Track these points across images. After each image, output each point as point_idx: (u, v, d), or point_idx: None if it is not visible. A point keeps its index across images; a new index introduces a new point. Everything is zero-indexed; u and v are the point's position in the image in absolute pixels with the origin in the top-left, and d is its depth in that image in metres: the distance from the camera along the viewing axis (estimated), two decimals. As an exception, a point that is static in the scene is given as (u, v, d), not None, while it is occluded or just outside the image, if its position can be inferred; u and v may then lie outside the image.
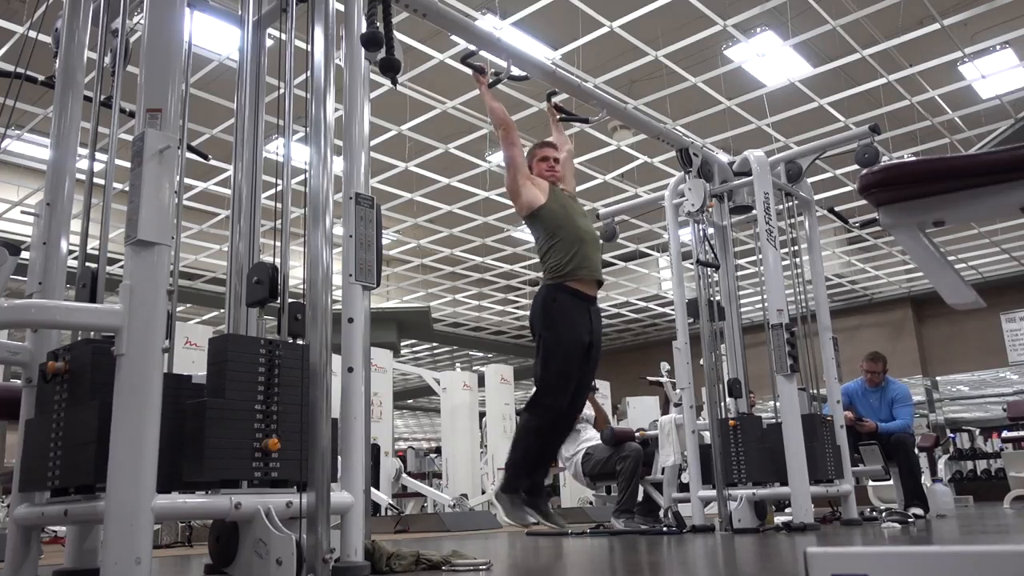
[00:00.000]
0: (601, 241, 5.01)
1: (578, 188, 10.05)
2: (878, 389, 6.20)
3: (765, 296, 5.07)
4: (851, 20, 7.12)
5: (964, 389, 15.34)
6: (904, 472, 5.75)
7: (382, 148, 9.05)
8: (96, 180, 2.42)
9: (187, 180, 9.13)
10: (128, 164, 1.99)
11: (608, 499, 6.70)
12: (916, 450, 7.93)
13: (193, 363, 3.64)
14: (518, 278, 14.10)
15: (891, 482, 5.92)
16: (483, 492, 9.76)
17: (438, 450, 12.37)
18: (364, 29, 2.57)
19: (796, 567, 2.28)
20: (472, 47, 4.28)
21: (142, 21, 2.13)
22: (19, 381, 2.43)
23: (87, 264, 2.25)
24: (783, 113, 8.74)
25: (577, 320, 3.93)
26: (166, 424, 1.87)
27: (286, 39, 2.53)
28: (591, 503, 8.93)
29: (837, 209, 7.03)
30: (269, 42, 2.91)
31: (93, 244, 2.36)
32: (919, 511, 5.40)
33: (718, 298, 5.35)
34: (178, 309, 2.41)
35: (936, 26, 7.26)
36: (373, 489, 6.72)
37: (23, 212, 8.61)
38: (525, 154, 4.23)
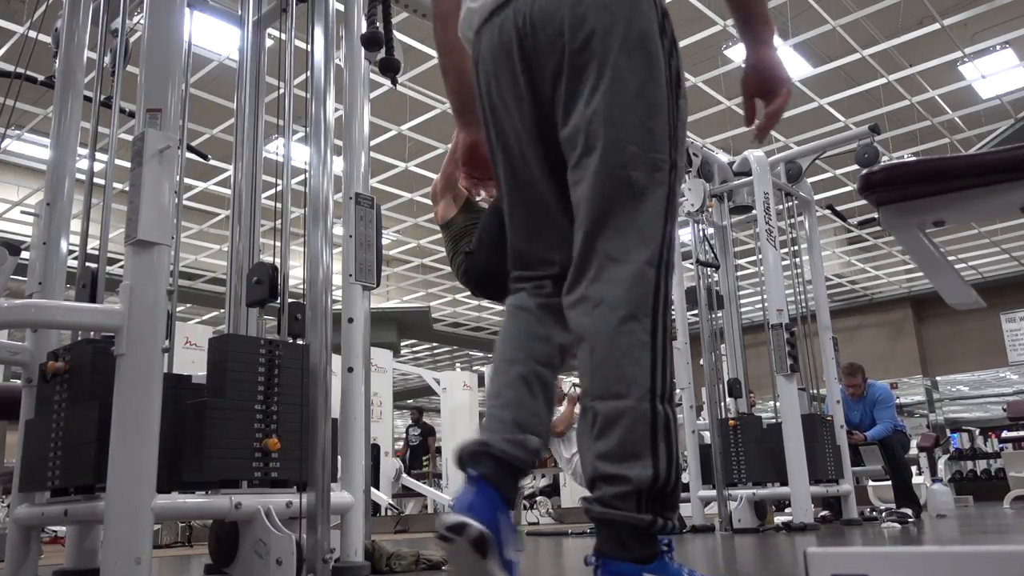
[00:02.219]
0: None
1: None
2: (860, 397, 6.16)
3: (765, 296, 5.08)
4: (851, 20, 7.11)
5: (964, 389, 15.33)
6: (892, 474, 5.74)
7: (382, 148, 9.05)
8: (96, 180, 2.41)
9: (187, 180, 9.12)
10: (128, 164, 1.99)
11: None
12: (917, 449, 7.94)
13: (193, 363, 3.62)
14: (518, 278, 14.09)
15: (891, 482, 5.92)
16: (483, 492, 9.74)
17: (438, 450, 12.36)
18: (364, 29, 2.57)
19: (796, 567, 2.28)
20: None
21: (142, 21, 2.13)
22: (19, 381, 2.43)
23: (87, 264, 2.25)
24: (783, 113, 8.73)
25: None
26: (166, 424, 1.87)
27: (286, 39, 2.53)
28: (591, 503, 8.91)
29: (837, 209, 7.03)
30: (269, 42, 2.91)
31: (93, 244, 2.36)
32: (907, 511, 5.29)
33: (716, 288, 5.34)
34: (178, 309, 2.41)
35: (936, 26, 7.26)
36: (373, 489, 6.71)
37: (23, 212, 8.61)
38: None
